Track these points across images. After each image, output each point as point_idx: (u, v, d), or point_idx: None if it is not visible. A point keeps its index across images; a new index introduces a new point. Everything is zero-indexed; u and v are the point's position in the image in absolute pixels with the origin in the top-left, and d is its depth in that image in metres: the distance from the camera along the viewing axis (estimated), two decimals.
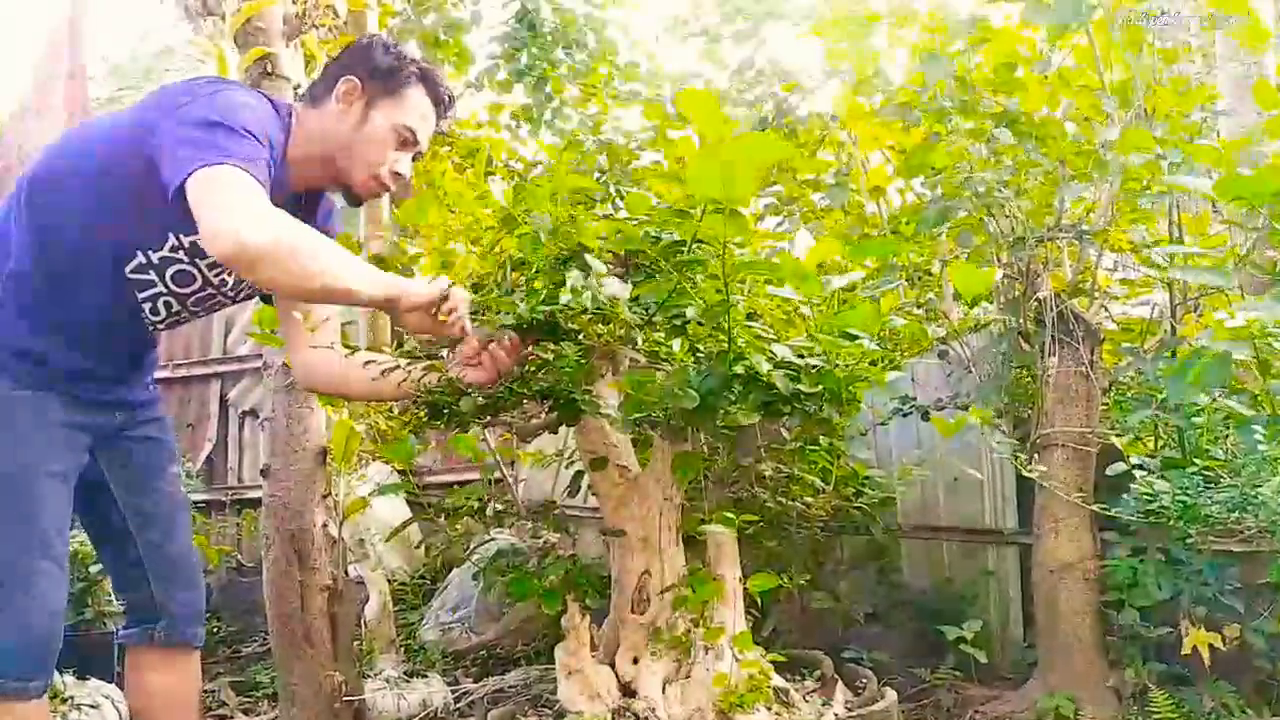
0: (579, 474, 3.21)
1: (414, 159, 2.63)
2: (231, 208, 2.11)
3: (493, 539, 4.78)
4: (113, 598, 4.56)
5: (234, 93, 2.37)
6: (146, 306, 2.51)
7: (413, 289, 2.35)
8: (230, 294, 2.62)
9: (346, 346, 2.69)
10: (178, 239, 2.42)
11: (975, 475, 4.23)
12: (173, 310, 2.56)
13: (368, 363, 2.54)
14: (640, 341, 2.57)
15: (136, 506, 2.71)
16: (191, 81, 2.38)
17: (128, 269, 2.43)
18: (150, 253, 2.43)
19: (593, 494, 2.96)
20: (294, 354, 2.72)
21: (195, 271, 2.49)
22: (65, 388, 2.47)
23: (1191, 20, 4.40)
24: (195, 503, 6.32)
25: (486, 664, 4.86)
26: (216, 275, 2.53)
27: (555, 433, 2.86)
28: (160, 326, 2.61)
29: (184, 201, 2.15)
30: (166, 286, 2.49)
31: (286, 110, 2.54)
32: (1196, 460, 3.51)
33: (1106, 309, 4.16)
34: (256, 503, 4.88)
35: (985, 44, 3.97)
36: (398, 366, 2.51)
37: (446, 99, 2.65)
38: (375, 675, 4.30)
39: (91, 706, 3.89)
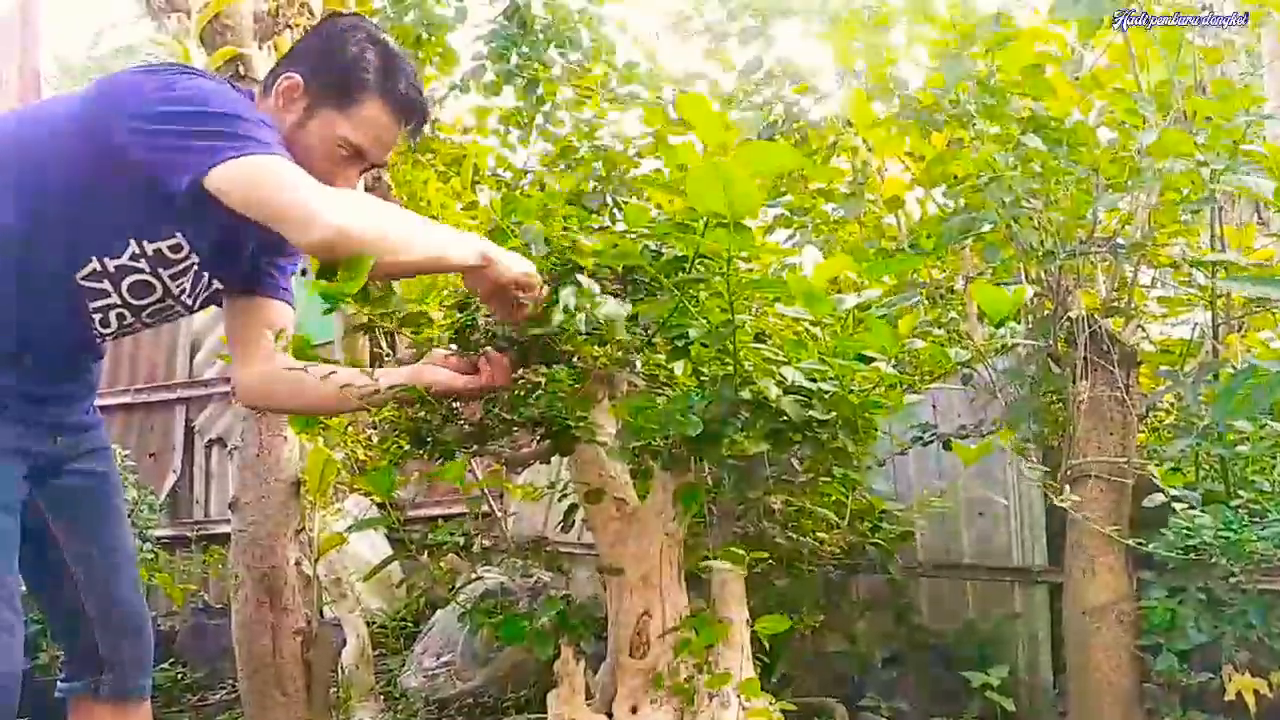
0: (573, 507, 3.21)
1: (369, 167, 2.55)
2: (305, 192, 2.14)
3: (480, 578, 4.78)
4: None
5: (214, 81, 2.37)
6: (96, 318, 2.46)
7: (503, 255, 2.34)
8: (189, 303, 2.58)
9: (328, 362, 2.68)
10: (140, 246, 2.37)
11: (1001, 502, 4.24)
12: (125, 322, 2.51)
13: (345, 386, 2.50)
14: (639, 364, 2.58)
15: (78, 547, 2.66)
16: (152, 71, 2.34)
17: (79, 275, 2.37)
18: (106, 260, 2.37)
19: (588, 529, 2.97)
20: (245, 367, 2.66)
21: (155, 282, 2.44)
22: None
23: (1238, 19, 4.42)
24: (158, 538, 6.33)
25: (473, 713, 4.86)
26: (178, 285, 2.49)
27: (547, 463, 2.87)
28: (108, 338, 2.56)
29: (175, 200, 2.17)
30: (121, 298, 2.44)
31: (251, 98, 2.47)
32: (1240, 492, 3.52)
33: (1143, 329, 4.17)
34: (225, 538, 4.89)
35: (1010, 42, 3.98)
36: (378, 391, 2.48)
37: (416, 114, 2.51)
38: None
39: None
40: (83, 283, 2.39)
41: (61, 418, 2.60)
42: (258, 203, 2.15)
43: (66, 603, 2.70)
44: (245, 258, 2.54)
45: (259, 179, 2.15)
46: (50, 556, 2.65)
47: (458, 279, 2.55)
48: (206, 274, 2.54)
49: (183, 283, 2.50)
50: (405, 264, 2.25)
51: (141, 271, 2.41)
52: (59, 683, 2.80)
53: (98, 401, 2.83)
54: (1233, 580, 3.44)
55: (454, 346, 2.63)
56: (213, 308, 2.75)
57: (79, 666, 2.76)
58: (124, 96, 2.27)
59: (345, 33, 2.47)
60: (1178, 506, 3.42)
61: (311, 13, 3.94)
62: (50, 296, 2.39)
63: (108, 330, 2.51)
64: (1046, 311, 3.91)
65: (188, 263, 2.46)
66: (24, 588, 2.53)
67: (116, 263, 2.38)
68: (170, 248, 2.41)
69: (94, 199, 2.30)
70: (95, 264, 2.37)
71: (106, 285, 2.41)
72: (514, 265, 2.34)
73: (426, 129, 2.75)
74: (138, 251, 2.38)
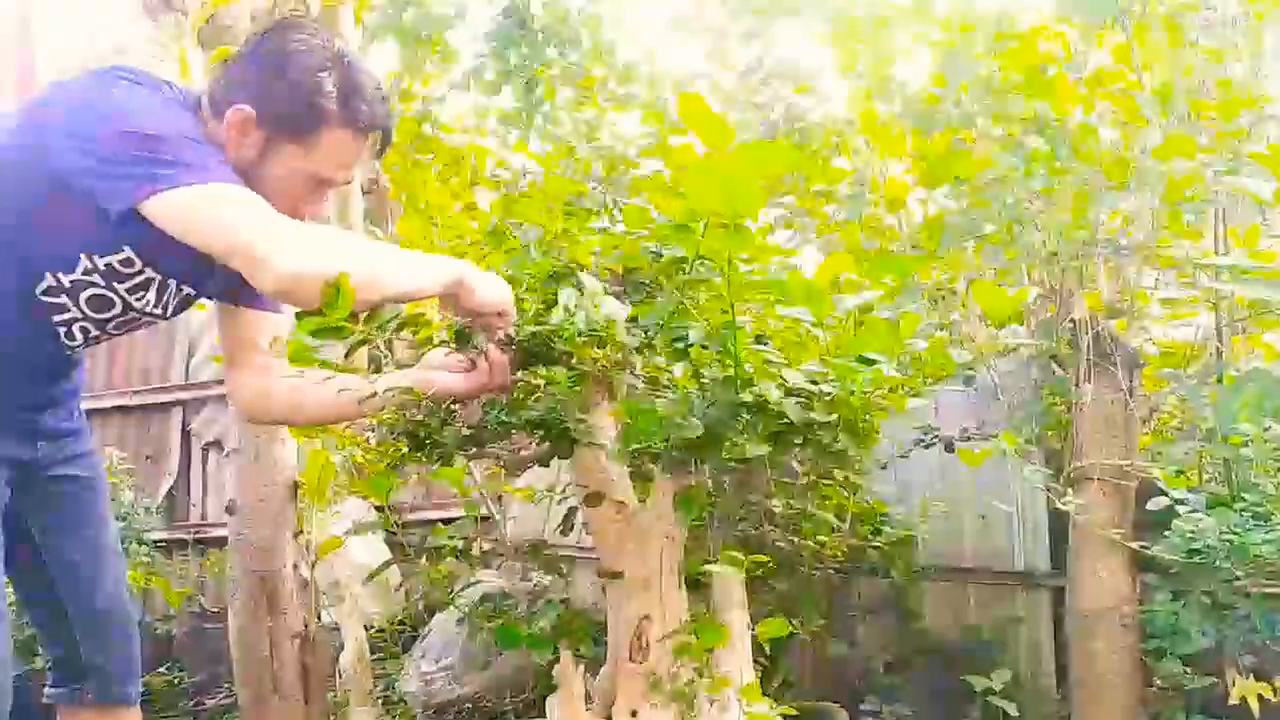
0: (572, 510, 3.21)
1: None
2: (252, 233, 2.05)
3: (479, 581, 4.78)
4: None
5: (156, 96, 2.26)
6: (61, 331, 2.42)
7: (478, 282, 2.24)
8: (158, 313, 2.52)
9: (325, 366, 2.66)
10: (91, 261, 2.32)
11: (1004, 508, 4.24)
12: (90, 335, 2.48)
13: (342, 390, 2.47)
14: (639, 366, 2.58)
15: (60, 554, 2.66)
16: (89, 85, 2.24)
17: (38, 290, 2.34)
18: (61, 275, 2.33)
19: (587, 532, 2.96)
20: (237, 378, 2.63)
21: (113, 296, 2.39)
22: None
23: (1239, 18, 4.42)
24: (155, 541, 6.32)
25: (472, 717, 4.86)
26: (139, 298, 2.43)
27: (546, 466, 2.87)
28: (78, 349, 2.53)
29: (113, 220, 2.11)
30: (81, 311, 2.40)
31: (195, 104, 2.35)
32: (1245, 495, 3.52)
33: (1146, 331, 4.16)
34: (221, 542, 4.87)
35: (1013, 42, 3.98)
36: (375, 394, 2.47)
37: (381, 126, 2.36)
38: None
39: None
40: (43, 298, 2.36)
41: (44, 424, 2.60)
42: (202, 242, 2.08)
43: (50, 609, 2.71)
44: (218, 264, 2.33)
45: (196, 217, 2.07)
46: (34, 562, 2.64)
47: None
48: (174, 283, 2.48)
49: (143, 296, 2.44)
50: (371, 302, 2.12)
51: (97, 285, 2.36)
52: (46, 688, 2.80)
53: (94, 404, 2.82)
54: (1237, 584, 3.43)
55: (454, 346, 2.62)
56: (211, 308, 2.72)
57: (63, 672, 2.76)
58: (61, 112, 2.21)
59: (294, 55, 2.28)
60: (1181, 509, 3.42)
61: (309, 10, 3.92)
62: (19, 315, 2.37)
63: (74, 343, 2.48)
64: (1049, 313, 3.91)
65: (142, 277, 2.40)
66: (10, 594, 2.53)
67: (71, 278, 2.34)
68: (121, 262, 2.34)
69: (41, 214, 2.26)
70: (50, 279, 2.33)
71: (65, 300, 2.37)
72: (488, 293, 2.27)
73: (427, 129, 2.72)
74: (90, 266, 2.33)
